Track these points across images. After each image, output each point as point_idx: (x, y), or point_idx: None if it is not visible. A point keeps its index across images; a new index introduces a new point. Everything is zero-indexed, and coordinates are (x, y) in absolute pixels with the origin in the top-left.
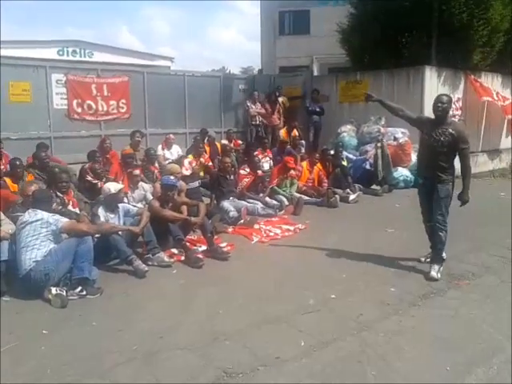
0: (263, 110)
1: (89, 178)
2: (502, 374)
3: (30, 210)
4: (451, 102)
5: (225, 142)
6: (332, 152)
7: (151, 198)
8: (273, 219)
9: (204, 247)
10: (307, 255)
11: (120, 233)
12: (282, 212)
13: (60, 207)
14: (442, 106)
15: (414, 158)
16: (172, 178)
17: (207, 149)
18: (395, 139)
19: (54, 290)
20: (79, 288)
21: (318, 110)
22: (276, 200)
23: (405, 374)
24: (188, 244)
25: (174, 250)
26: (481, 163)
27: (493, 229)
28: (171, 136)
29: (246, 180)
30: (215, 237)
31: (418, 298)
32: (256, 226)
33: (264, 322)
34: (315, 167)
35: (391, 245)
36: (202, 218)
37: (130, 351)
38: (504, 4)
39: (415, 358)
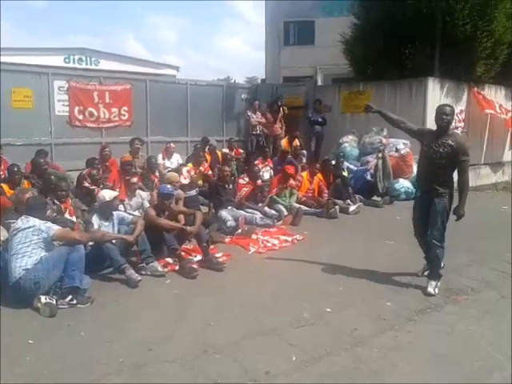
0: (264, 120)
1: (86, 184)
2: None
3: (22, 217)
4: (454, 113)
5: (226, 150)
6: (333, 162)
7: (148, 205)
8: (271, 229)
9: (199, 257)
10: (304, 267)
11: (114, 241)
12: (281, 222)
13: (55, 214)
14: (446, 118)
15: (415, 169)
16: (169, 186)
17: (208, 157)
18: (397, 150)
19: (43, 299)
20: (69, 297)
21: (320, 120)
22: (275, 210)
23: None
24: (183, 254)
25: (169, 260)
26: (483, 176)
27: (493, 242)
28: (171, 145)
29: (245, 189)
30: (212, 246)
31: (415, 312)
32: (254, 236)
33: (257, 334)
34: (316, 177)
35: (390, 257)
36: (197, 226)
37: (118, 363)
38: (508, 16)
39: (410, 374)
